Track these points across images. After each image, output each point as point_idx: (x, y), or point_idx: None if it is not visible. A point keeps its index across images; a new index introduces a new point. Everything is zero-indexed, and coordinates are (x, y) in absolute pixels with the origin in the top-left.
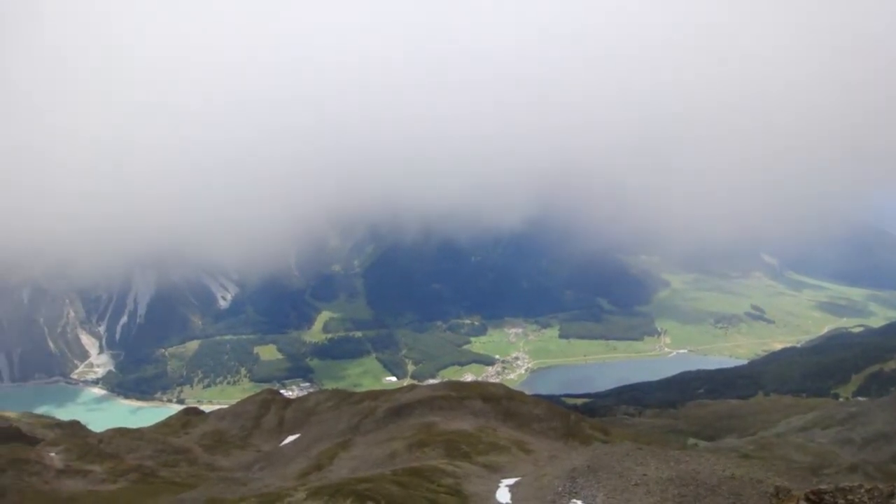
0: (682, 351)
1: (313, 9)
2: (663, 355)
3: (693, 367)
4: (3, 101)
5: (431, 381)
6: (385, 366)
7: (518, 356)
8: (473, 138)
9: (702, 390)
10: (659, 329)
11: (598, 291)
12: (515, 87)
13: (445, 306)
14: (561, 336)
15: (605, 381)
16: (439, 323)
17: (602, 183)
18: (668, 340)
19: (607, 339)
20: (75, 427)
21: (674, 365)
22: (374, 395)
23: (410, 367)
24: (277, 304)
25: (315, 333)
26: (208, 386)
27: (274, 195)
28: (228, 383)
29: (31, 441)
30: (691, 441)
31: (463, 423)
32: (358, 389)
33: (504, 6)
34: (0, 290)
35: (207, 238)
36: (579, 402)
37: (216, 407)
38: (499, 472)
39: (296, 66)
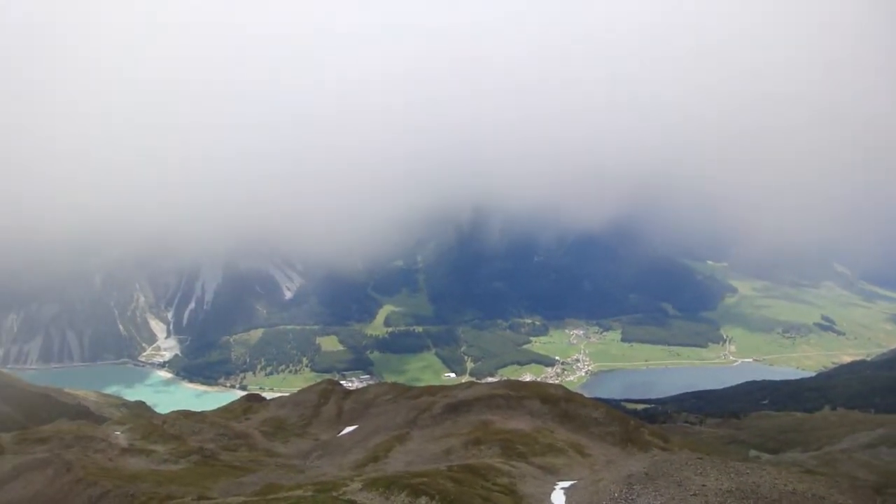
0: (747, 360)
1: (416, 14)
2: (728, 363)
3: (758, 377)
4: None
5: (490, 380)
6: (444, 362)
7: (578, 358)
8: (560, 140)
9: (766, 401)
10: (724, 336)
11: (662, 295)
12: (602, 89)
13: (507, 305)
14: (623, 339)
15: (666, 388)
16: (500, 321)
17: (680, 186)
18: (733, 348)
19: (670, 344)
20: (141, 408)
21: (738, 374)
22: (433, 391)
23: (469, 365)
24: (340, 296)
25: (376, 327)
26: (270, 374)
27: (342, 190)
28: (290, 372)
29: (99, 419)
30: (753, 453)
31: (520, 423)
32: (417, 384)
33: (583, 9)
34: (74, 275)
35: (275, 230)
36: (639, 407)
37: (277, 394)
38: (555, 474)
39: (393, 71)
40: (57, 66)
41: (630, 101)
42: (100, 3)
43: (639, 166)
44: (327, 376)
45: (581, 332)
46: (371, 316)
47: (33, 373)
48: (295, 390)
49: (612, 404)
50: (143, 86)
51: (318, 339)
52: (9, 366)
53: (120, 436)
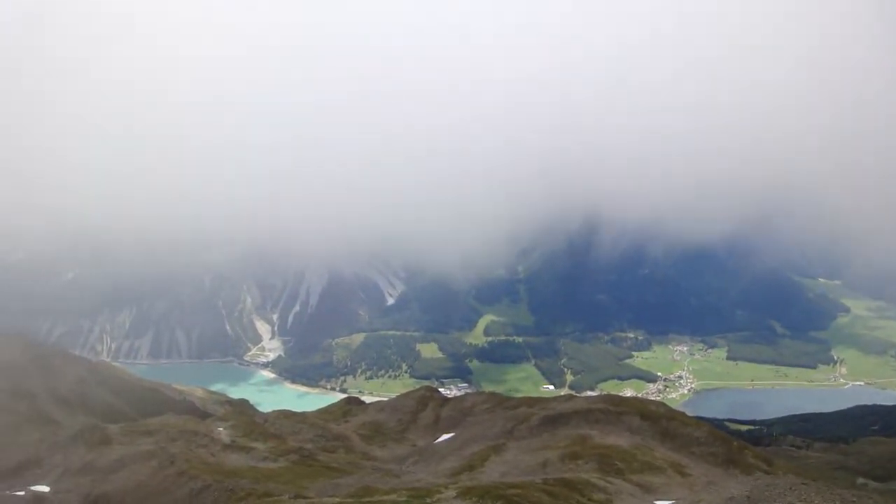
0: (858, 383)
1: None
2: (838, 386)
3: (869, 401)
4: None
5: (589, 393)
6: (543, 373)
7: (682, 375)
8: (676, 150)
9: (877, 427)
10: (835, 358)
11: (771, 313)
12: (721, 97)
13: (609, 318)
14: (728, 357)
15: (772, 409)
16: (602, 334)
17: (796, 199)
18: (844, 371)
19: (778, 364)
20: (244, 406)
21: (848, 397)
22: (531, 402)
23: (569, 377)
24: (441, 303)
25: (476, 335)
26: (370, 378)
27: (450, 198)
28: (389, 377)
29: (203, 415)
30: (861, 481)
31: (619, 439)
32: (515, 395)
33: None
34: (185, 275)
35: (379, 236)
36: (743, 428)
37: (376, 399)
38: (652, 492)
39: (518, 75)
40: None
41: (749, 108)
42: None
43: (755, 177)
44: (426, 383)
45: (685, 348)
46: (471, 324)
47: (143, 367)
48: (394, 395)
49: (714, 424)
50: (263, 88)
51: (418, 346)
52: (120, 360)
53: (223, 432)
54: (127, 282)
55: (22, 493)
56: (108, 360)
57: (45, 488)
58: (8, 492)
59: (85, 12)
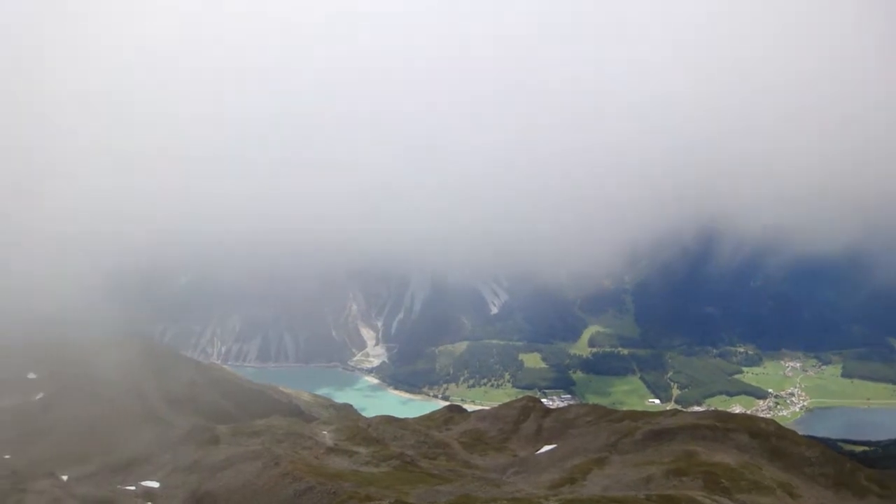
0: None
1: None
2: None
3: None
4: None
5: (696, 409)
6: (649, 387)
7: (793, 392)
8: (799, 158)
9: None
10: None
11: (891, 329)
12: (849, 103)
13: (718, 331)
14: (843, 375)
15: (889, 430)
16: (710, 348)
17: None
18: None
19: None
20: (348, 410)
21: None
22: (635, 416)
23: (675, 392)
24: (545, 313)
25: (581, 346)
26: (472, 386)
27: (557, 208)
28: (492, 386)
29: (308, 418)
30: None
31: (726, 457)
32: (619, 408)
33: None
34: (294, 281)
35: (482, 244)
36: (857, 449)
37: (478, 407)
38: None
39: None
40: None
41: (873, 114)
42: None
43: (879, 186)
44: (528, 393)
45: (797, 364)
46: (576, 335)
47: (251, 370)
48: (496, 404)
49: (827, 444)
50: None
51: (521, 356)
52: (230, 362)
53: (327, 435)
54: (237, 288)
55: (133, 487)
56: (218, 362)
57: (154, 484)
58: (119, 486)
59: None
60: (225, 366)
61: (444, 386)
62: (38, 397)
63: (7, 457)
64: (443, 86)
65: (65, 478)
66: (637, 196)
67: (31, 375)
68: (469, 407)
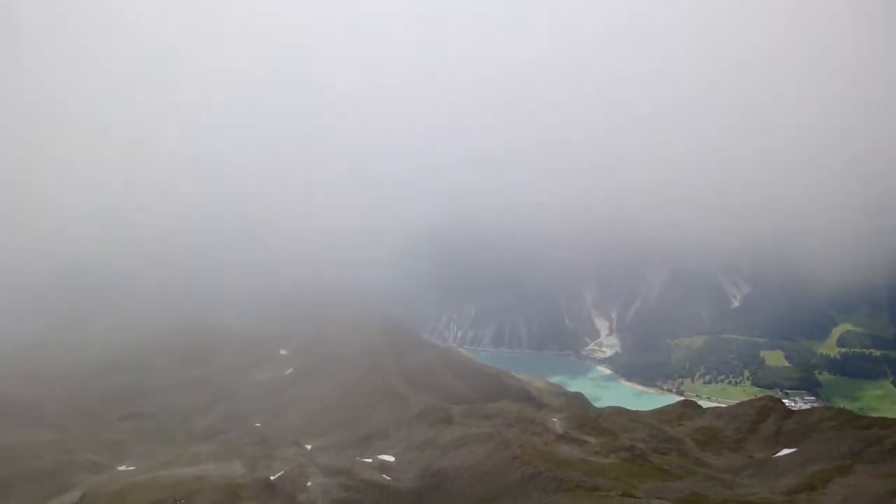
0: None
1: None
2: None
3: None
4: None
5: None
6: None
7: None
8: None
9: None
10: None
11: None
12: None
13: None
14: None
15: None
16: None
17: None
18: None
19: None
20: (579, 399)
21: None
22: (886, 423)
23: None
24: (791, 309)
25: (828, 346)
26: (709, 382)
27: (814, 199)
28: (729, 383)
29: (539, 404)
30: None
31: None
32: (869, 414)
33: None
34: (529, 269)
35: (723, 232)
36: None
37: (713, 404)
38: None
39: None
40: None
41: None
42: None
43: None
44: (768, 392)
45: None
46: (823, 333)
47: (485, 355)
48: (733, 402)
49: None
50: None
51: (763, 353)
52: (465, 346)
53: (557, 423)
54: (475, 277)
55: (370, 460)
56: (454, 346)
57: (390, 458)
58: (358, 458)
59: None
60: (460, 350)
61: (679, 380)
62: (287, 372)
63: (258, 425)
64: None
65: (309, 447)
66: None
67: (283, 352)
68: (704, 403)
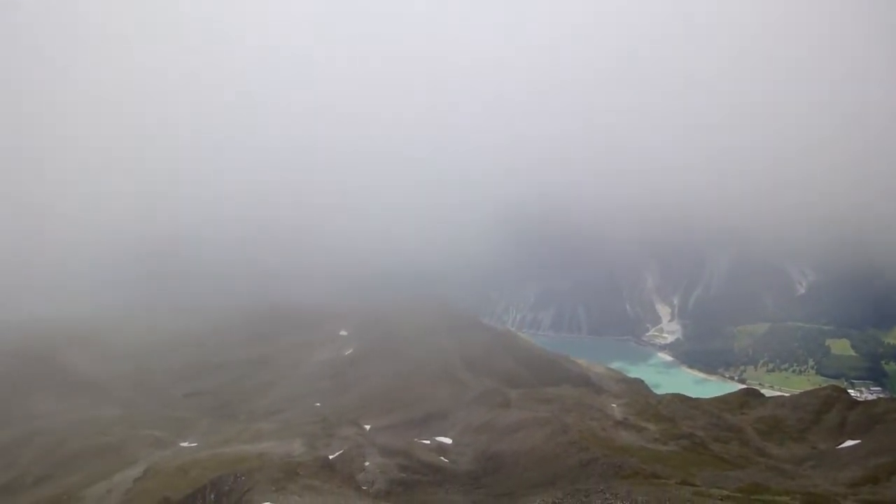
0: None
1: None
2: None
3: None
4: None
5: None
6: None
7: None
8: None
9: None
10: None
11: None
12: None
13: None
14: None
15: None
16: None
17: None
18: None
19: None
20: (638, 385)
21: None
22: None
23: None
24: (858, 297)
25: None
26: (772, 370)
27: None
28: (793, 371)
29: (598, 389)
30: None
31: None
32: None
33: None
34: (589, 254)
35: (789, 217)
36: None
37: (776, 393)
38: None
39: None
40: None
41: None
42: None
43: None
44: (833, 382)
45: None
46: (891, 322)
47: (544, 339)
48: (796, 391)
49: None
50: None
51: (828, 341)
52: (524, 330)
53: (616, 409)
54: (534, 258)
55: (427, 441)
56: (513, 330)
57: (447, 440)
58: (415, 439)
59: None
60: (519, 333)
61: (742, 368)
62: (347, 353)
63: (318, 405)
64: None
65: (367, 427)
66: None
67: (343, 333)
68: (766, 392)
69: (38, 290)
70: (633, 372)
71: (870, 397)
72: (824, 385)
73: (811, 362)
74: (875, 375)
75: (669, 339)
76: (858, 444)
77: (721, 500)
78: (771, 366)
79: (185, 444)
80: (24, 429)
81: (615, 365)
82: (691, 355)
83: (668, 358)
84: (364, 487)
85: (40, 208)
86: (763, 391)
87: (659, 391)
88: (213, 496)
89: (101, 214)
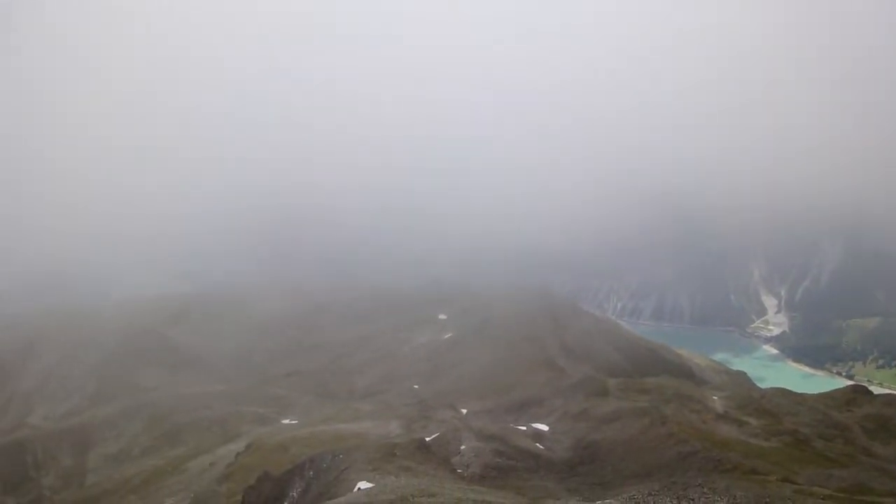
0: None
1: None
2: None
3: None
4: None
5: None
6: None
7: None
8: None
9: None
10: None
11: None
12: None
13: None
14: None
15: None
16: None
17: None
18: None
19: None
20: (741, 378)
21: None
22: None
23: None
24: None
25: None
26: (882, 367)
27: None
28: None
29: (698, 381)
30: None
31: None
32: None
33: None
34: (692, 242)
35: None
36: None
37: (886, 391)
38: None
39: None
40: None
41: None
42: None
43: None
44: None
45: None
46: None
47: (645, 328)
48: None
49: None
50: None
51: None
52: (624, 318)
53: (717, 401)
54: (637, 246)
55: (524, 428)
56: (613, 317)
57: (543, 427)
58: (511, 425)
59: None
60: (619, 322)
61: (850, 364)
62: (446, 336)
63: (416, 387)
64: None
65: (464, 411)
66: None
67: (442, 316)
68: (876, 389)
69: (152, 266)
70: (737, 364)
71: None
72: None
73: None
74: None
75: (775, 331)
76: None
77: (823, 499)
78: (881, 362)
79: (285, 422)
80: (131, 402)
81: (718, 356)
82: (798, 349)
83: (774, 351)
84: (459, 471)
85: (155, 188)
86: (872, 388)
87: (763, 385)
88: (311, 473)
89: (213, 197)
